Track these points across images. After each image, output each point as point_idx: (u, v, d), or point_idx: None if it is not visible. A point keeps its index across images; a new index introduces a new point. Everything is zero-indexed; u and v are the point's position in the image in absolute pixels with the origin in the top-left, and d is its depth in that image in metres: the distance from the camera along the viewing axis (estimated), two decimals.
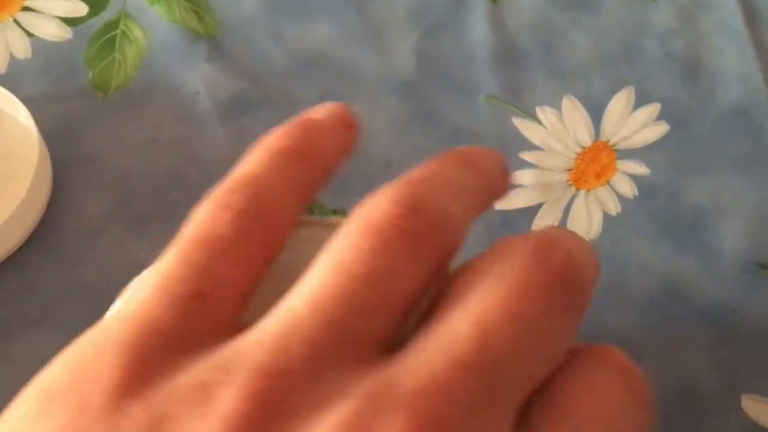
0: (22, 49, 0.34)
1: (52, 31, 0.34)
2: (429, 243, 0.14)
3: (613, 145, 0.33)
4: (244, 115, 0.33)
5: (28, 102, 0.31)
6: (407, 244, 0.14)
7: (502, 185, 0.19)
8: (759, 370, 0.28)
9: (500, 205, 0.31)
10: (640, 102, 0.35)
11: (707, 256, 0.31)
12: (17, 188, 0.29)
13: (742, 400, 0.28)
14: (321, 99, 0.33)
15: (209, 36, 0.35)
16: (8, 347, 0.28)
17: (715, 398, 0.28)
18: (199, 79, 0.34)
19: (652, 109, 0.34)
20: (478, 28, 0.36)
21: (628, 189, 0.32)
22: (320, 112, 0.19)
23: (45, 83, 0.33)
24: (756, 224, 0.32)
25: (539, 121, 0.34)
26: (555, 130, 0.33)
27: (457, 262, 0.16)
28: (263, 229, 0.15)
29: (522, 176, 0.32)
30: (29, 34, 0.34)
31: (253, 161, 0.17)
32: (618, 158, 0.33)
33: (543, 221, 0.31)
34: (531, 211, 0.32)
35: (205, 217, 0.15)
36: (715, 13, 0.37)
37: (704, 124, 0.34)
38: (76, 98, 0.33)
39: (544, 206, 0.32)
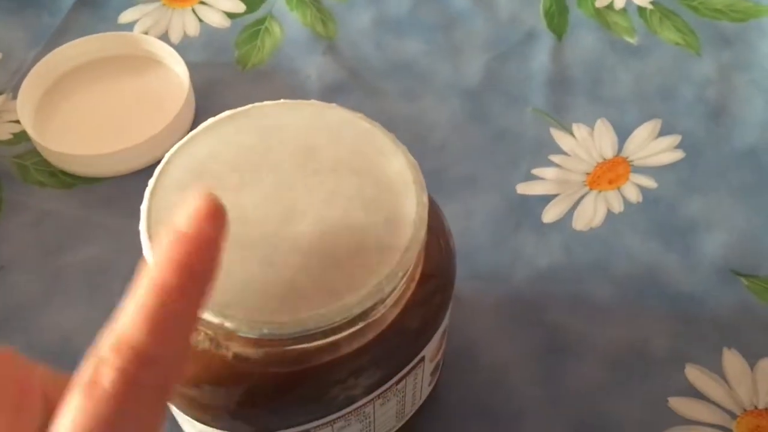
0: (193, 29, 0.46)
1: (216, 20, 0.46)
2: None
3: (631, 161, 0.40)
4: (341, 96, 0.43)
5: (188, 65, 0.42)
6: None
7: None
8: (706, 349, 0.34)
9: (521, 189, 0.39)
10: (664, 132, 0.41)
11: (689, 257, 0.36)
12: (164, 119, 0.40)
13: (686, 367, 0.33)
14: (401, 93, 0.43)
15: (328, 38, 0.45)
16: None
17: (662, 362, 0.33)
18: (313, 67, 0.44)
19: (673, 139, 0.41)
20: (541, 58, 0.44)
21: (634, 196, 0.39)
22: (188, 220, 0.17)
23: (203, 55, 0.45)
24: (739, 239, 0.37)
25: (572, 134, 0.41)
26: (584, 142, 0.41)
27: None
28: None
29: (546, 172, 0.40)
30: (200, 20, 0.46)
31: (130, 317, 0.17)
32: (632, 171, 0.40)
33: (554, 207, 0.38)
34: (546, 199, 0.39)
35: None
36: (751, 71, 0.43)
37: (716, 157, 0.40)
38: (222, 68, 0.44)
39: (558, 197, 0.39)
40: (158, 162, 0.40)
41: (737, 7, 0.46)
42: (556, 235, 0.37)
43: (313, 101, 0.25)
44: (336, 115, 0.25)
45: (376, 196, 0.23)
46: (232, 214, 0.22)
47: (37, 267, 0.36)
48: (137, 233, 0.24)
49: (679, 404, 0.32)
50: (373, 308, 0.21)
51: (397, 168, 0.23)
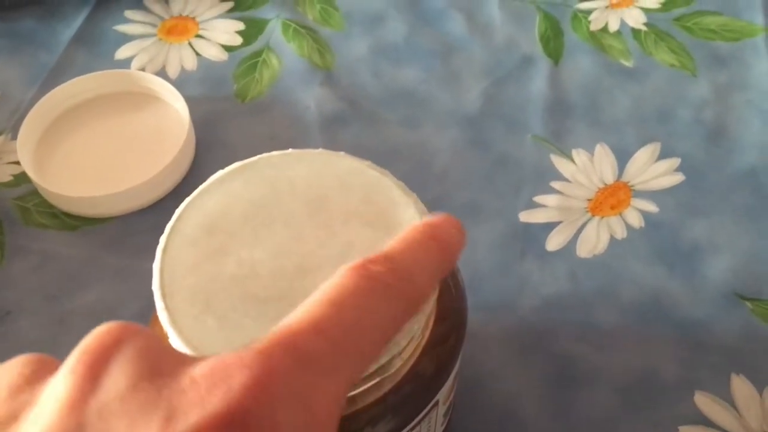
0: (190, 63, 0.46)
1: (213, 53, 0.46)
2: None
3: (632, 186, 0.40)
4: (340, 128, 0.43)
5: (186, 99, 0.42)
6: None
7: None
8: (714, 375, 0.34)
9: (524, 217, 0.39)
10: (664, 155, 0.41)
11: (694, 281, 0.37)
12: (165, 156, 0.40)
13: (695, 395, 0.33)
14: (400, 122, 0.43)
15: (326, 69, 0.46)
16: (142, 262, 0.38)
17: (671, 389, 0.33)
18: (312, 99, 0.44)
19: (673, 161, 0.41)
20: (538, 83, 0.44)
21: (636, 221, 0.39)
22: (439, 219, 0.21)
23: (202, 89, 0.45)
24: (743, 262, 0.37)
25: (573, 160, 0.41)
26: (584, 168, 0.41)
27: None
28: (398, 297, 0.18)
29: (548, 199, 0.40)
30: (197, 54, 0.46)
31: (393, 245, 0.20)
32: (633, 196, 0.40)
33: (558, 235, 0.38)
34: (549, 227, 0.39)
35: (347, 280, 0.18)
36: (748, 92, 0.44)
37: (716, 179, 0.40)
38: (221, 102, 0.44)
39: (561, 224, 0.39)
40: (162, 200, 0.41)
41: (731, 27, 0.47)
42: (561, 262, 0.37)
43: (321, 150, 0.25)
44: (344, 163, 0.25)
45: None
46: (245, 270, 0.22)
47: (42, 311, 0.36)
48: (143, 273, 0.24)
49: None
50: (389, 362, 0.21)
51: (409, 217, 0.23)
